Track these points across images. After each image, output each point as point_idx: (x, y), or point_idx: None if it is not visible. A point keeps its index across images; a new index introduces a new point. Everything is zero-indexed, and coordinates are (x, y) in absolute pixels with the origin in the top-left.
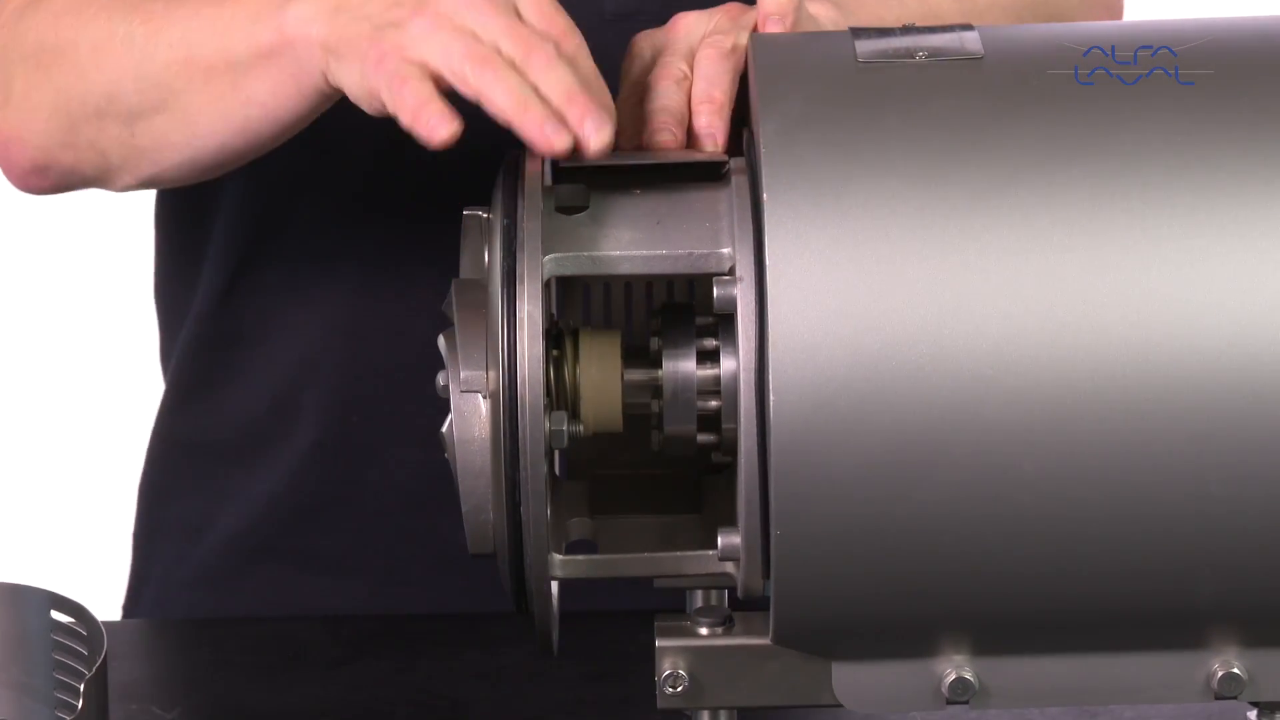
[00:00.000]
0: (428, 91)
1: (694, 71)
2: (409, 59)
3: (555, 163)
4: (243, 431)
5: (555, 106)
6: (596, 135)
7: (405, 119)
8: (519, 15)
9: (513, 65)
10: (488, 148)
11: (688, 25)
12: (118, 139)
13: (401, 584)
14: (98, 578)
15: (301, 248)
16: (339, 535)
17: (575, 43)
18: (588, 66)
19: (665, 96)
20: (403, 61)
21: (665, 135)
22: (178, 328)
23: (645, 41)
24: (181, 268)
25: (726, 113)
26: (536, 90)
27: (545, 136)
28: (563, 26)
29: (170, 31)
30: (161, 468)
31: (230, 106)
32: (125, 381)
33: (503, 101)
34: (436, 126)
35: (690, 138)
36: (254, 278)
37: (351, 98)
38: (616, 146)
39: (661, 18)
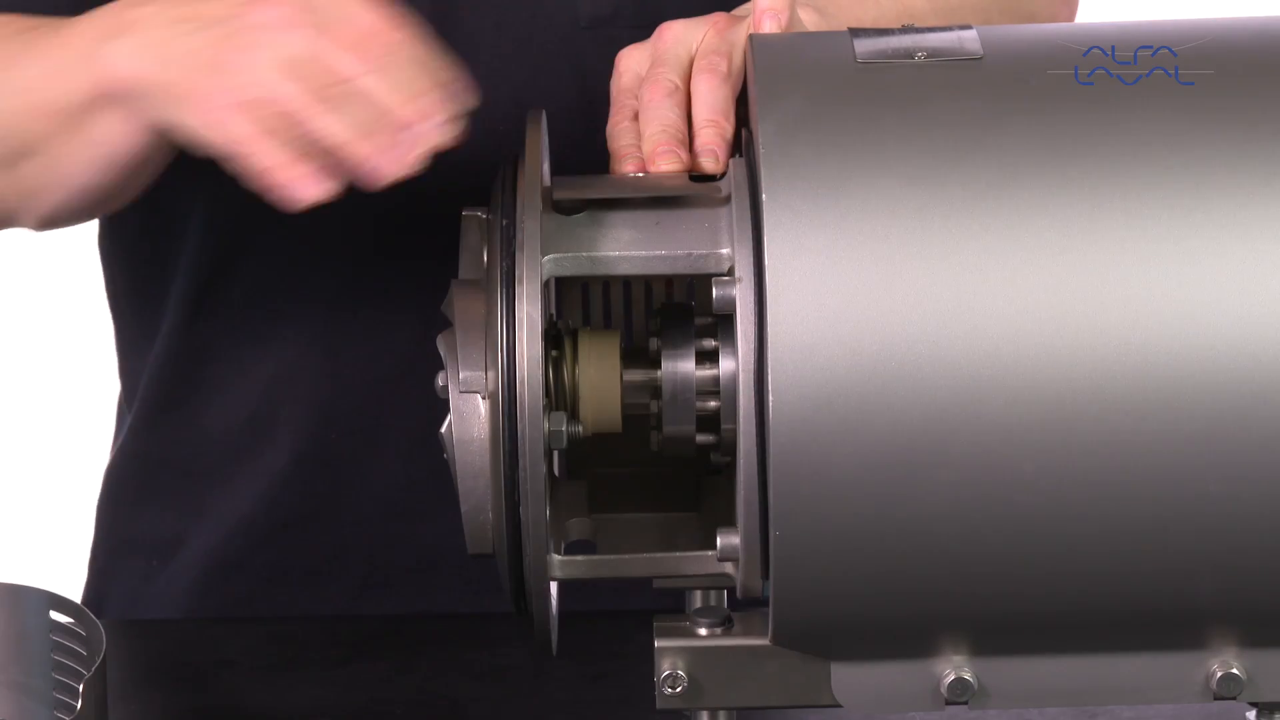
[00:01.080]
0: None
1: (693, 95)
2: (245, 102)
3: (554, 194)
4: (218, 449)
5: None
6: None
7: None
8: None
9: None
10: (465, 158)
11: (675, 35)
12: (6, 184)
13: (378, 590)
14: None
15: (276, 261)
16: (316, 547)
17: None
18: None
19: (662, 115)
20: (238, 110)
21: (670, 160)
22: (142, 342)
23: (632, 57)
24: (145, 283)
25: (728, 134)
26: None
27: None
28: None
29: (9, 78)
30: (126, 486)
31: (79, 148)
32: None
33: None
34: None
35: (690, 153)
36: (226, 292)
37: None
38: (612, 169)
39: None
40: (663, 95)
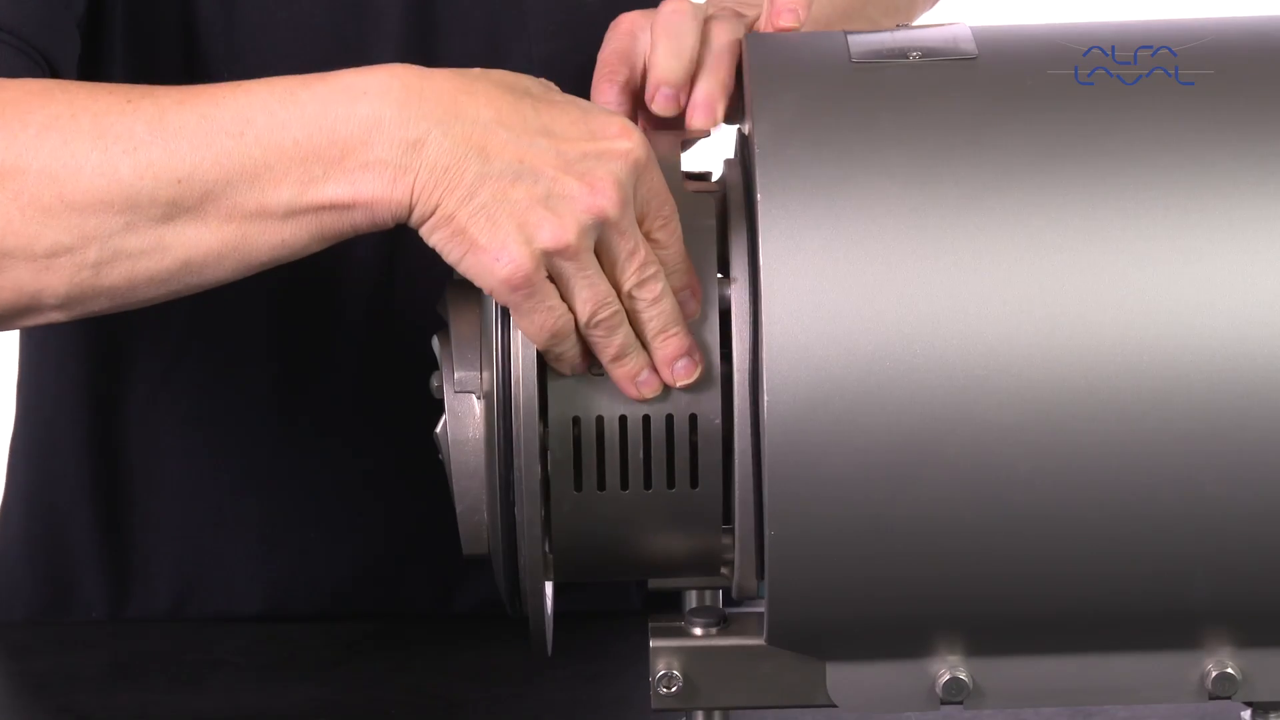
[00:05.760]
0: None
1: (702, 44)
2: (554, 309)
3: None
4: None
5: (649, 340)
6: (685, 378)
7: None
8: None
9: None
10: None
11: (683, 5)
12: (72, 280)
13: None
14: None
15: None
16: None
17: (673, 229)
18: (676, 251)
19: (680, 39)
20: (552, 311)
21: (668, 106)
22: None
23: (635, 20)
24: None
25: (729, 89)
26: (636, 327)
27: (635, 386)
28: (668, 212)
29: (171, 164)
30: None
31: (256, 250)
32: None
33: (608, 354)
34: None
35: (687, 108)
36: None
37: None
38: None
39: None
40: (685, 15)
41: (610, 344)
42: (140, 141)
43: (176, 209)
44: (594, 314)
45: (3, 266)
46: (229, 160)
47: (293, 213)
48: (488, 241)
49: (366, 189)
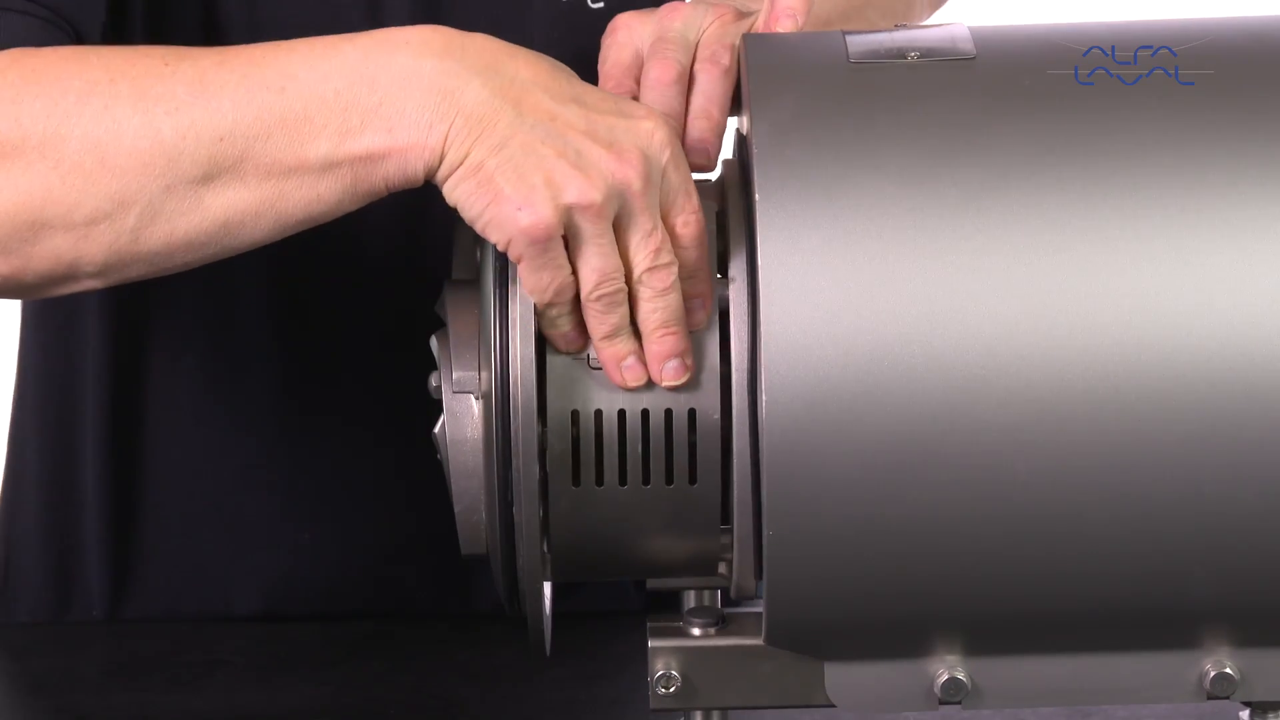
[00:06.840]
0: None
1: (693, 85)
2: (563, 268)
3: None
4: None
5: (646, 332)
6: (673, 379)
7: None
8: (662, 177)
9: (632, 285)
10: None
11: (685, 17)
12: (111, 247)
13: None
14: None
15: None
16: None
17: (696, 230)
18: (699, 255)
19: (666, 101)
20: (560, 270)
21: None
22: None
23: (632, 29)
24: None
25: (721, 128)
26: (635, 315)
27: (620, 370)
28: (694, 208)
29: (212, 123)
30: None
31: (291, 207)
32: None
33: (601, 330)
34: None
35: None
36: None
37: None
38: None
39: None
40: (670, 79)
41: (606, 321)
42: (181, 102)
43: (216, 168)
44: (598, 285)
45: (41, 236)
46: (270, 115)
47: (329, 165)
48: (513, 192)
49: (401, 136)
